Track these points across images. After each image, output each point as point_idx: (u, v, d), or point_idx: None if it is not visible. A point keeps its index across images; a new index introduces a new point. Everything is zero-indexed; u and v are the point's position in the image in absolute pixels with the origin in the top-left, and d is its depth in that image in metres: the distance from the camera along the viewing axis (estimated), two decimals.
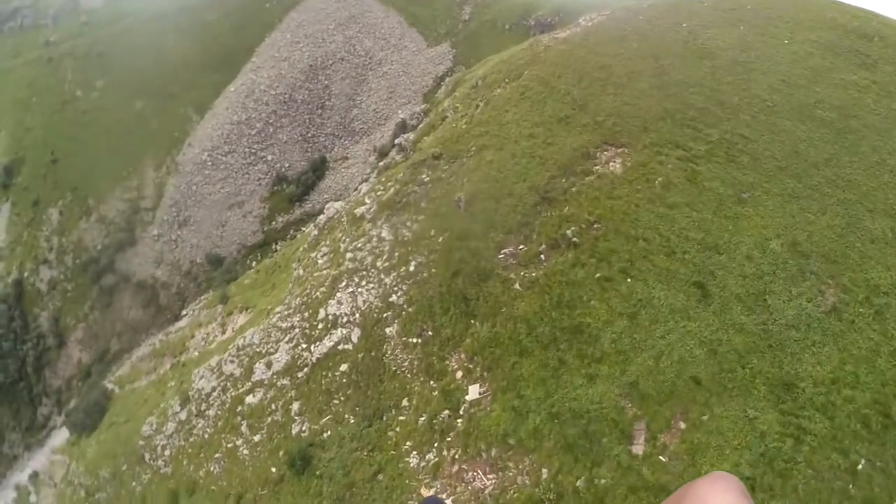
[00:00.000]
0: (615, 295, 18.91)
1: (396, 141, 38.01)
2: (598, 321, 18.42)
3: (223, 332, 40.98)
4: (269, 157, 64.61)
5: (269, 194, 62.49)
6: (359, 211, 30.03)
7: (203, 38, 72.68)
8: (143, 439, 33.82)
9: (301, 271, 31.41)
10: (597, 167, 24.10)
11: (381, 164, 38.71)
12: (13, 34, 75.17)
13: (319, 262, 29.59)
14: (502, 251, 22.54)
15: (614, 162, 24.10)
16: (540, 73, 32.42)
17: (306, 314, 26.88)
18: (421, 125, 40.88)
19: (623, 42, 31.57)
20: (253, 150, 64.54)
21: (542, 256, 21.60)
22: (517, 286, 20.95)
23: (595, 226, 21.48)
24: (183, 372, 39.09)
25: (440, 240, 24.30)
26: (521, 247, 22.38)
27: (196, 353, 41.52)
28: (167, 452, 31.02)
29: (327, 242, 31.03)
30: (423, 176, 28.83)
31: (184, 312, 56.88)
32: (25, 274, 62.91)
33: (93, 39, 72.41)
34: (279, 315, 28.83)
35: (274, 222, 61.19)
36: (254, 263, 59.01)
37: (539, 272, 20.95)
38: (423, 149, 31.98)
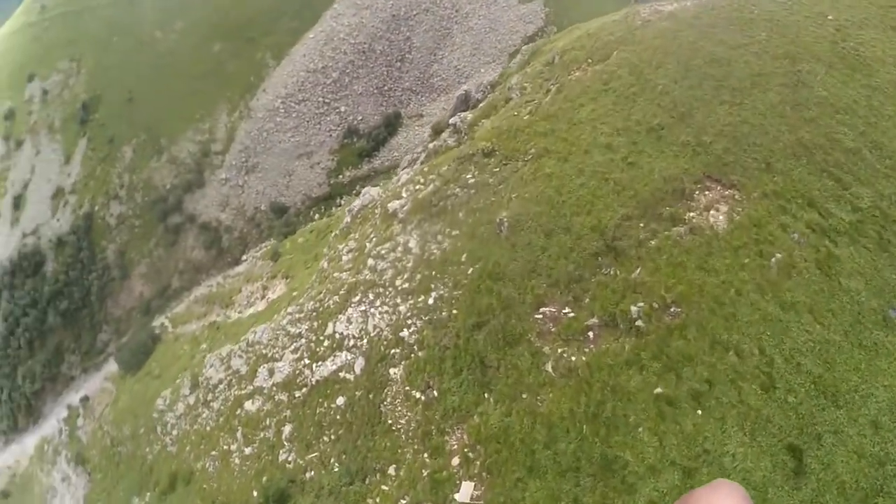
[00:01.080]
0: (674, 430, 13.09)
1: (451, 120, 31.80)
2: (641, 463, 12.86)
3: (262, 297, 39.13)
4: (343, 109, 60.86)
5: (339, 147, 58.85)
6: (392, 206, 25.81)
7: None
8: (156, 412, 33.64)
9: (326, 264, 28.27)
10: (692, 214, 17.38)
11: (432, 145, 32.70)
12: None
13: (343, 258, 26.25)
14: (541, 310, 17.14)
15: (717, 210, 17.18)
16: (633, 57, 25.51)
17: (315, 324, 24.18)
18: (483, 103, 34.62)
19: (749, 28, 23.98)
20: (327, 101, 60.99)
21: (590, 334, 16.03)
22: (549, 368, 15.72)
23: (672, 309, 15.29)
24: (215, 336, 38.13)
25: (469, 271, 19.38)
26: (566, 311, 16.80)
27: (234, 316, 40.02)
28: (174, 432, 30.95)
29: (356, 236, 27.54)
30: (469, 175, 23.55)
31: (244, 258, 55.35)
32: (96, 208, 63.34)
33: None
34: (290, 317, 26.23)
35: (341, 176, 57.55)
36: (316, 216, 55.93)
37: (582, 357, 15.48)
38: (476, 137, 26.32)
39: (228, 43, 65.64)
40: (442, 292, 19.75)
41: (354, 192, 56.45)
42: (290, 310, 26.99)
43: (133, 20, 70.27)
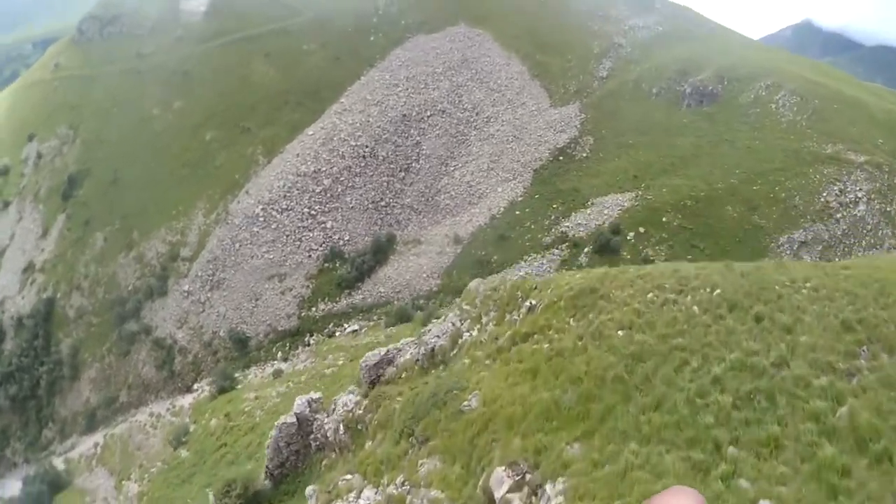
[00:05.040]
0: None
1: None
2: None
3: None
4: (329, 224, 53.39)
5: (317, 272, 51.16)
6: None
7: (293, 69, 64.11)
8: None
9: None
10: None
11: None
12: (110, 39, 72.42)
13: None
14: None
15: None
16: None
17: None
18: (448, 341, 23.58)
19: None
20: (313, 212, 53.75)
21: None
22: None
23: None
24: None
25: None
26: None
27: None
28: None
29: None
30: None
31: (195, 386, 49.28)
32: (58, 295, 59.65)
33: (183, 56, 67.07)
34: None
35: (314, 309, 49.69)
36: (279, 354, 48.17)
37: None
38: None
39: (222, 132, 60.12)
40: None
41: (327, 330, 48.48)
42: None
43: (136, 94, 66.41)
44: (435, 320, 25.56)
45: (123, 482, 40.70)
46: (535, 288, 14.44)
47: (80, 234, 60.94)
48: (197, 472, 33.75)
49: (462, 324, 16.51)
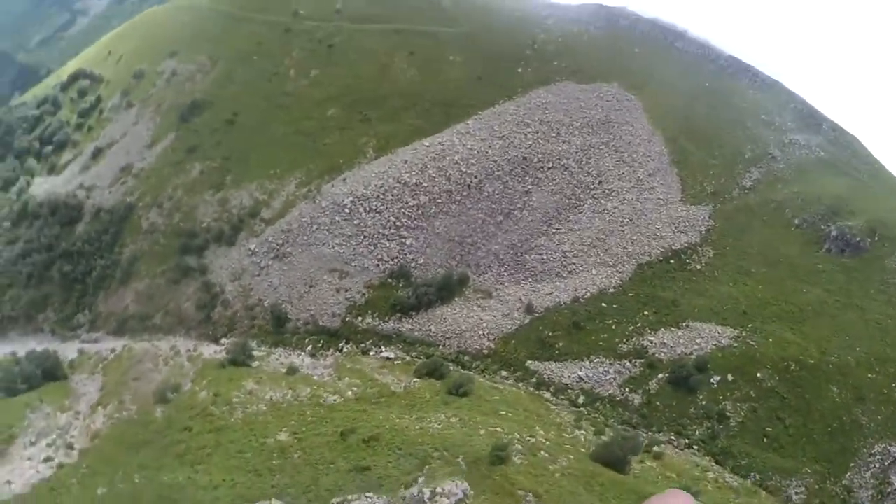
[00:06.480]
0: None
1: None
2: None
3: None
4: (409, 242, 50.37)
5: (379, 284, 48.16)
6: None
7: (432, 75, 62.22)
8: None
9: None
10: None
11: None
12: None
13: None
14: None
15: None
16: None
17: None
18: None
19: None
20: (398, 223, 50.98)
21: None
22: None
23: None
24: None
25: None
26: None
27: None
28: None
29: None
30: None
31: (222, 341, 47.83)
32: (140, 204, 60.68)
33: (334, 29, 67.01)
34: None
35: (361, 319, 46.69)
36: (309, 347, 45.68)
37: None
38: None
39: (343, 113, 59.07)
40: None
41: (362, 346, 45.34)
42: None
43: (278, 49, 67.29)
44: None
45: (98, 407, 39.81)
46: None
47: (180, 158, 61.92)
48: (149, 447, 31.81)
49: None
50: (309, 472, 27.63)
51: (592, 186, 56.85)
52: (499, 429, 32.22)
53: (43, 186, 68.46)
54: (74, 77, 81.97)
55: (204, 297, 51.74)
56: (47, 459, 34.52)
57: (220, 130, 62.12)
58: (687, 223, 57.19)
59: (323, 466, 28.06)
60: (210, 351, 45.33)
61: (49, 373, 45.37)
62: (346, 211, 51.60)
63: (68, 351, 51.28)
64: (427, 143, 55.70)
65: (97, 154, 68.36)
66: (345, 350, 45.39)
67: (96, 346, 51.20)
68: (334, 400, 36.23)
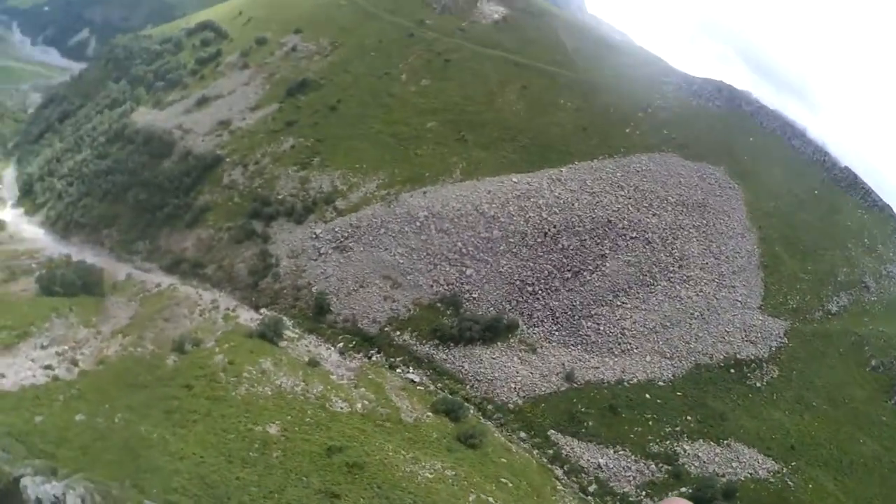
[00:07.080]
0: None
1: None
2: None
3: None
4: (469, 272, 49.17)
5: (427, 304, 47.16)
6: None
7: (538, 114, 61.34)
8: None
9: None
10: None
11: None
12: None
13: None
14: None
15: None
16: None
17: None
18: None
19: None
20: (464, 251, 49.95)
21: None
22: None
23: None
24: None
25: None
26: None
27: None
28: None
29: None
30: None
31: (262, 310, 48.28)
32: (228, 160, 62.58)
33: (454, 45, 67.75)
34: None
35: (399, 334, 45.74)
36: (340, 344, 45.08)
37: None
38: None
39: (442, 128, 59.27)
40: None
41: (390, 361, 44.31)
42: None
43: (398, 51, 68.87)
44: None
45: (119, 335, 39.98)
46: None
47: (277, 128, 63.67)
48: (144, 392, 31.41)
49: None
50: (279, 478, 26.43)
51: (671, 269, 53.85)
52: (490, 499, 30.15)
53: (145, 116, 72.24)
54: (203, 27, 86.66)
55: (258, 263, 52.48)
56: (47, 367, 34.14)
57: (321, 113, 63.50)
58: (759, 334, 53.14)
59: (295, 477, 26.83)
60: (247, 316, 45.46)
61: (88, 286, 46.82)
62: (418, 224, 51.08)
63: (118, 272, 53.36)
64: (515, 180, 54.57)
65: (202, 102, 71.46)
66: (374, 358, 44.54)
67: (145, 275, 52.75)
68: (340, 408, 35.12)
